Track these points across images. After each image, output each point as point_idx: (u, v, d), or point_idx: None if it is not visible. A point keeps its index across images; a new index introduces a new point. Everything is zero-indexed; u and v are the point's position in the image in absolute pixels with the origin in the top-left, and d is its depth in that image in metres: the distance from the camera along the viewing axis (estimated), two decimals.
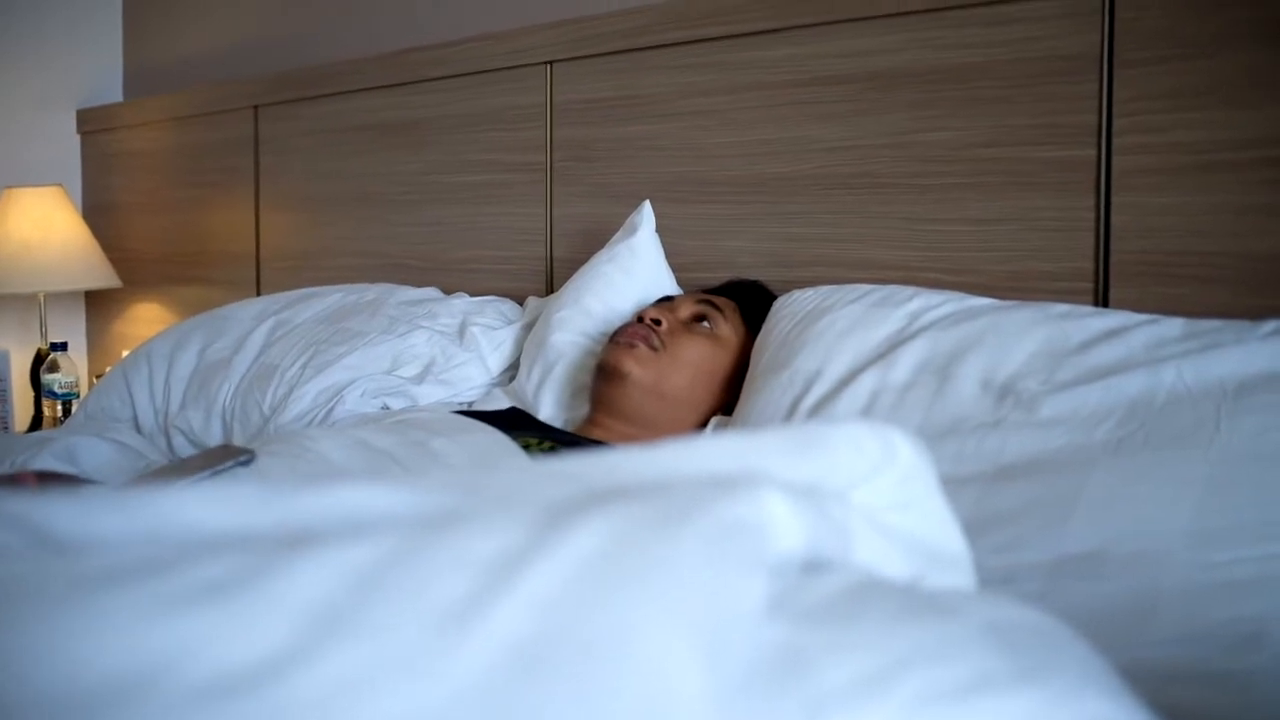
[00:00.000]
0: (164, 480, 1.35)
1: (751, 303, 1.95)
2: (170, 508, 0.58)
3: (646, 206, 2.16)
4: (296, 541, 0.50)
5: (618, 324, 1.97)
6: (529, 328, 2.20)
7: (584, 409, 1.95)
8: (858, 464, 0.71)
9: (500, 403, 2.06)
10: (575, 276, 2.17)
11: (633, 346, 1.83)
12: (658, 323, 1.86)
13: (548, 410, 2.00)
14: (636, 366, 1.81)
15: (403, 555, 0.50)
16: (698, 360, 1.85)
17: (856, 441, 0.72)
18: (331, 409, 2.08)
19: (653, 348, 1.83)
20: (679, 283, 2.15)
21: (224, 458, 1.40)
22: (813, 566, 0.62)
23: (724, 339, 1.89)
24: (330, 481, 0.60)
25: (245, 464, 1.36)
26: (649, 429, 1.82)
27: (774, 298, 1.90)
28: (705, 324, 1.89)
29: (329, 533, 0.53)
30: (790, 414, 1.64)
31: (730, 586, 0.54)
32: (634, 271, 2.09)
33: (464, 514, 0.55)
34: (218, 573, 0.49)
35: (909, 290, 1.73)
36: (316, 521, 0.57)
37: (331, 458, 1.44)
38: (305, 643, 0.46)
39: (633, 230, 2.14)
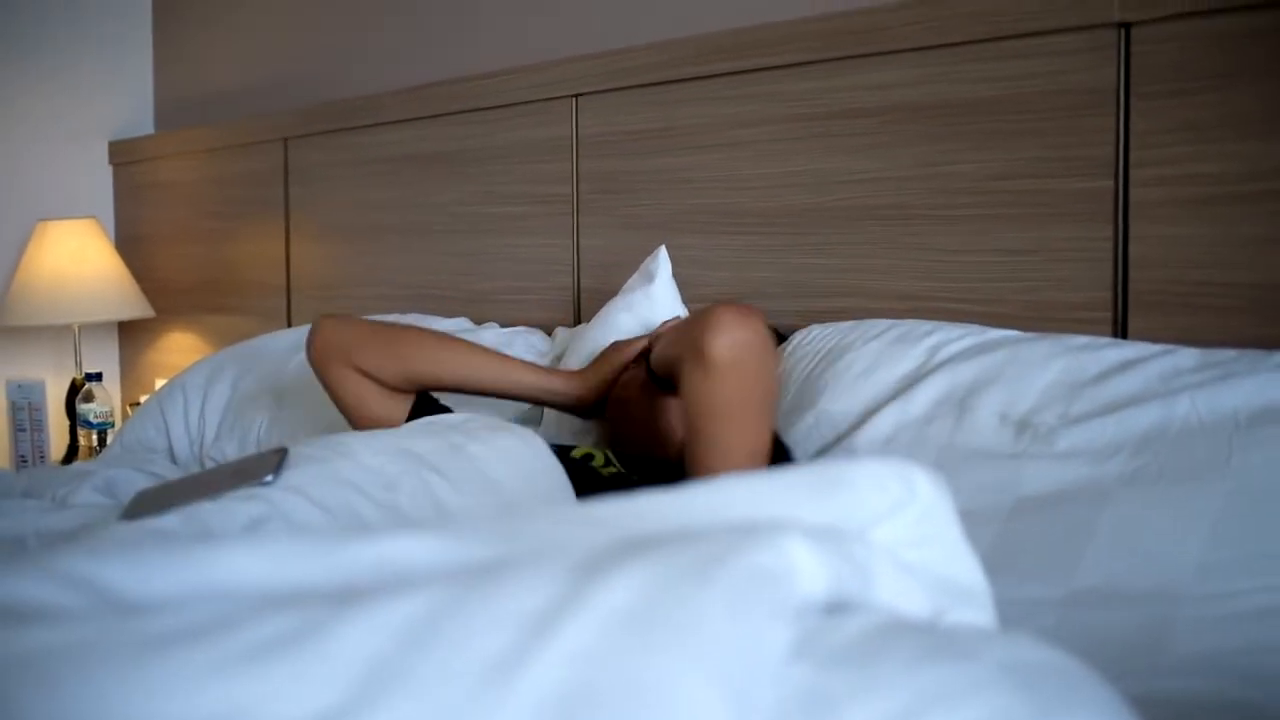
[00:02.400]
0: (193, 494, 1.38)
1: None
2: (222, 562, 0.61)
3: (662, 253, 2.17)
4: (346, 597, 0.53)
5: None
6: (559, 359, 2.22)
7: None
8: (879, 502, 0.73)
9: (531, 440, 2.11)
10: (592, 323, 2.18)
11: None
12: None
13: None
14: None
15: (447, 610, 0.53)
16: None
17: (878, 479, 0.75)
18: None
19: None
20: None
21: (253, 474, 1.41)
22: (835, 607, 0.64)
23: None
24: (375, 533, 0.63)
25: (269, 484, 1.37)
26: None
27: None
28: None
29: (375, 587, 0.55)
30: (816, 457, 1.66)
31: (756, 634, 0.56)
32: (651, 321, 2.10)
33: (503, 567, 0.58)
34: (272, 631, 0.52)
35: (928, 324, 1.76)
36: (363, 572, 0.60)
37: (368, 463, 1.45)
38: (357, 699, 0.49)
39: (650, 278, 2.14)
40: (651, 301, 2.12)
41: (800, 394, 1.78)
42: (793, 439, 1.71)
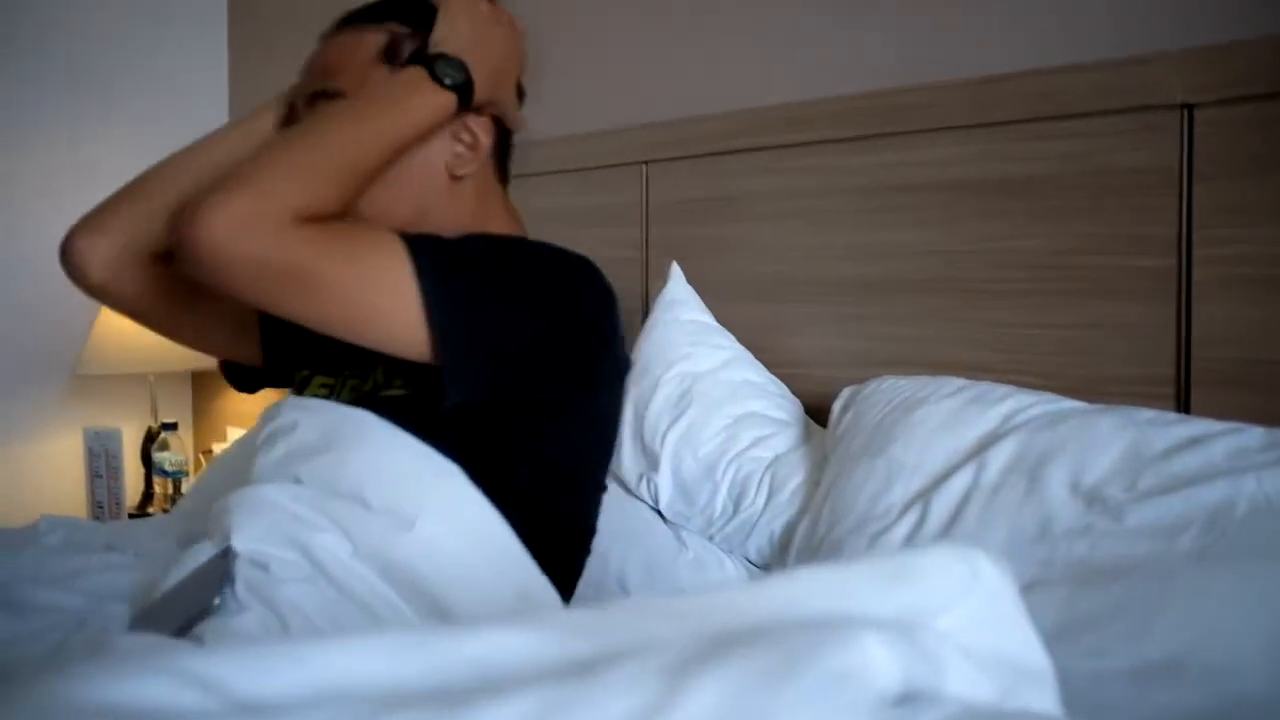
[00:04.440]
0: (153, 627, 1.30)
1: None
2: (332, 659, 0.65)
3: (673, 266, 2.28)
4: (456, 698, 0.58)
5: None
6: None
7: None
8: (946, 588, 0.77)
9: None
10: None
11: None
12: None
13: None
14: None
15: (552, 713, 0.57)
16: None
17: (944, 568, 0.78)
18: None
19: None
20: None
21: (201, 601, 1.31)
22: (908, 699, 0.68)
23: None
24: (470, 628, 0.68)
25: (218, 608, 1.29)
26: None
27: None
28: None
29: (477, 686, 0.60)
30: (883, 503, 1.70)
31: None
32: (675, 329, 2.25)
33: (597, 666, 0.62)
34: None
35: (1002, 389, 1.78)
36: (461, 669, 0.65)
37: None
38: None
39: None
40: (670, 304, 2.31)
41: (871, 438, 1.81)
42: (860, 481, 1.75)
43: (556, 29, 2.91)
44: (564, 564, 1.57)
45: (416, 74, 1.51)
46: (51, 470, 3.66)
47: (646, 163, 2.53)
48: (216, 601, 1.30)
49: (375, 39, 1.59)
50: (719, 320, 2.30)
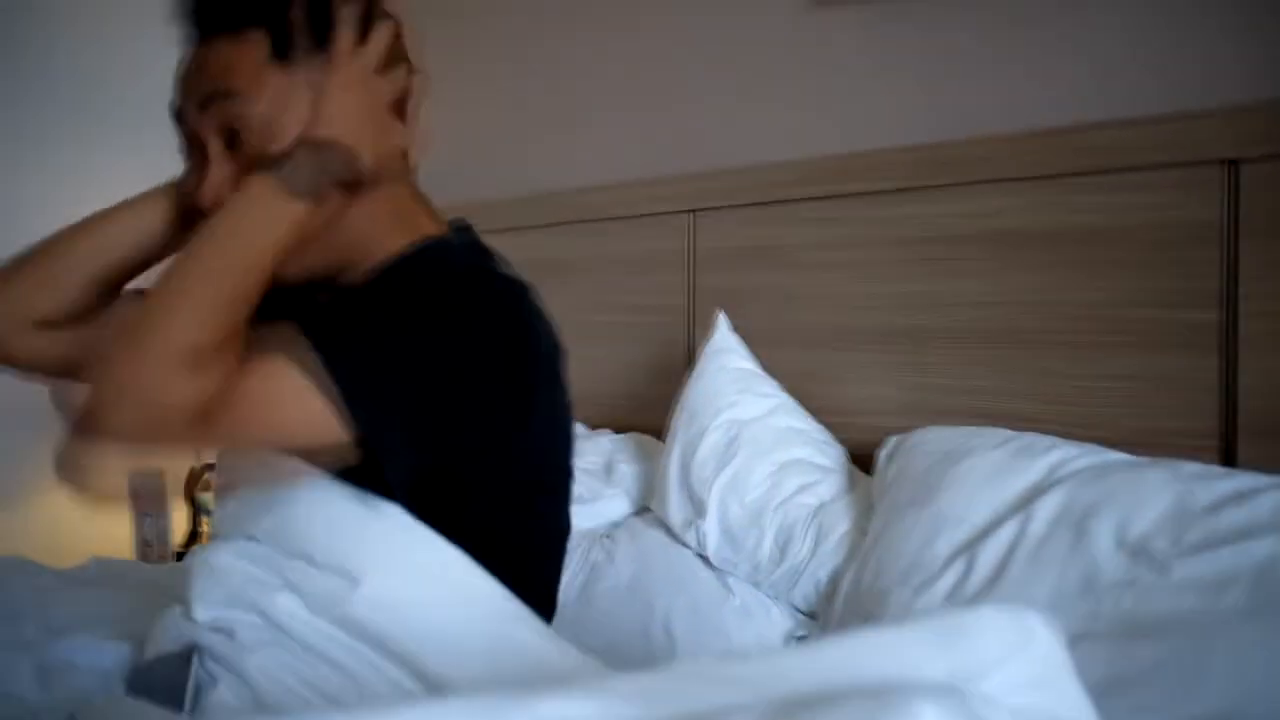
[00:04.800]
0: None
1: None
2: None
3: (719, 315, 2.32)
4: None
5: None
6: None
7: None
8: (997, 649, 0.78)
9: (638, 533, 2.18)
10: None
11: None
12: None
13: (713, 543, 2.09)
14: None
15: None
16: None
17: (996, 628, 0.80)
18: None
19: None
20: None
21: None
22: None
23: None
24: (536, 694, 0.70)
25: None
26: None
27: None
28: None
29: None
30: (929, 553, 1.71)
31: None
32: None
33: None
34: None
35: (1048, 440, 1.80)
36: None
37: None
38: None
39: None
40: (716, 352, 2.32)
41: (918, 488, 1.83)
42: (908, 529, 1.76)
43: (604, 77, 2.95)
44: (540, 574, 1.53)
45: (264, 186, 1.34)
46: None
47: (693, 211, 2.56)
48: (187, 706, 1.28)
49: (258, 37, 1.40)
50: (764, 368, 2.32)
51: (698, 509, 2.11)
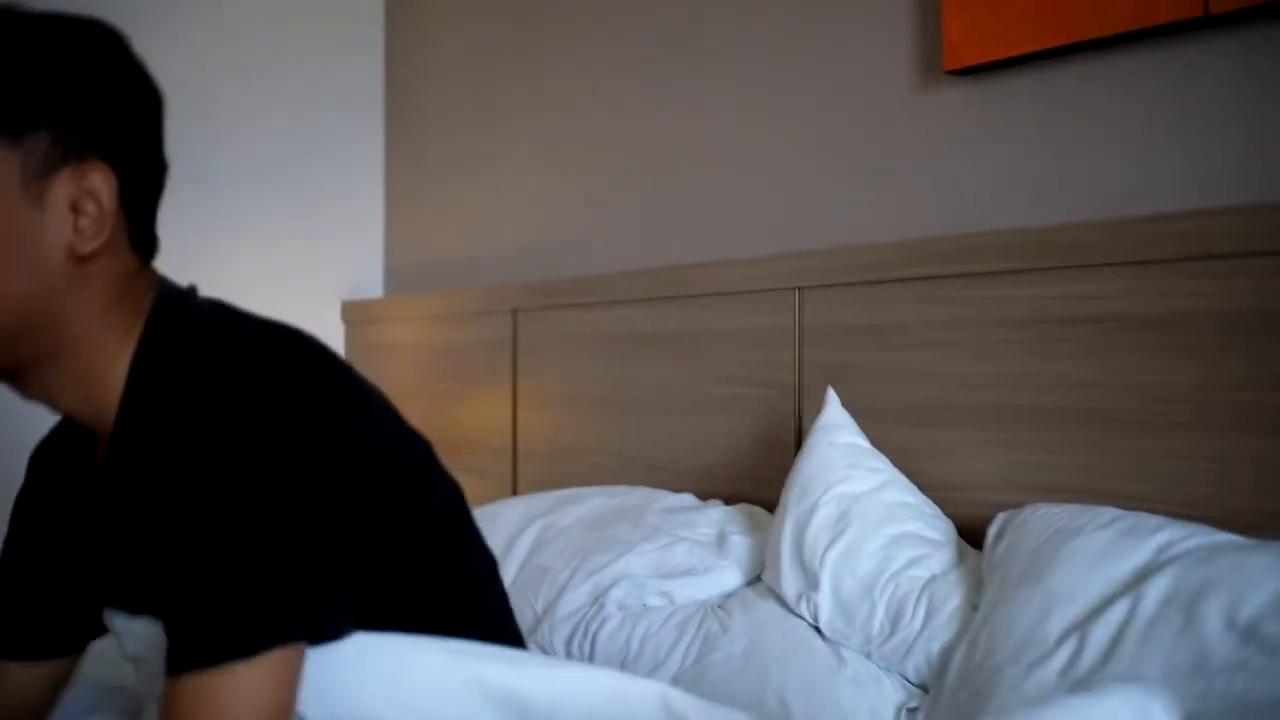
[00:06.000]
0: None
1: None
2: None
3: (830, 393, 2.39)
4: None
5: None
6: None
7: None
8: None
9: (751, 604, 2.25)
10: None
11: None
12: None
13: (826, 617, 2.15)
14: None
15: None
16: None
17: (1119, 715, 0.87)
18: (601, 605, 2.35)
19: None
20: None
21: None
22: None
23: None
24: None
25: None
26: None
27: None
28: None
29: None
30: (1041, 631, 1.75)
31: None
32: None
33: None
34: None
35: (1156, 520, 1.84)
36: None
37: None
38: None
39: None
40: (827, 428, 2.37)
41: (1029, 566, 1.88)
42: (1019, 607, 1.81)
43: (711, 156, 3.06)
44: (491, 615, 1.55)
45: None
46: None
47: (798, 289, 2.64)
48: None
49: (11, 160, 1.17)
50: (872, 443, 2.39)
51: (810, 581, 2.17)
